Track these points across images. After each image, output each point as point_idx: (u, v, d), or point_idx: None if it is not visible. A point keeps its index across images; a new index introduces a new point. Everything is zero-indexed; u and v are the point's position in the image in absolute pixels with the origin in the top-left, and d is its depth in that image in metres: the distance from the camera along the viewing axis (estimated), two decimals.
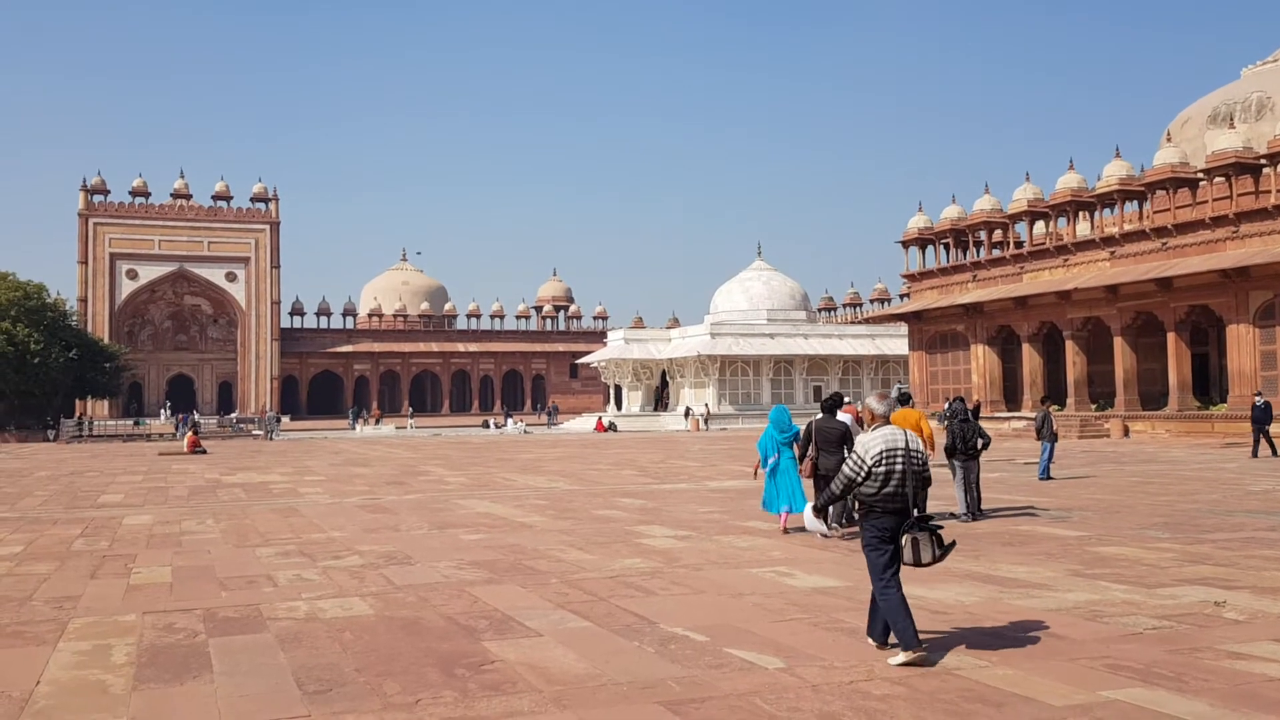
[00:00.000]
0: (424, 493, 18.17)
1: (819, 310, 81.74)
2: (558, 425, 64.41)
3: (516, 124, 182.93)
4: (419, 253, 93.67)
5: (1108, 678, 5.62)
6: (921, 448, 6.21)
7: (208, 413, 70.96)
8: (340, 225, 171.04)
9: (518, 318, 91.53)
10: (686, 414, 54.41)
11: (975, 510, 12.95)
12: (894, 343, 59.57)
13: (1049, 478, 18.32)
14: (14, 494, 19.18)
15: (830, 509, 10.97)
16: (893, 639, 6.02)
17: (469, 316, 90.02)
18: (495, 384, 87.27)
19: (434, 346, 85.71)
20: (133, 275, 75.77)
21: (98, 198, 75.83)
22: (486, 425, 63.14)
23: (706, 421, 52.92)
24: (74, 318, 60.93)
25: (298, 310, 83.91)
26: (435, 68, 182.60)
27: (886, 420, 6.32)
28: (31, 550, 11.41)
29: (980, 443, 13.36)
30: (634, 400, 63.65)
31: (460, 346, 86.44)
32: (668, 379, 63.11)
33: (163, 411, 67.93)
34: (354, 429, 60.96)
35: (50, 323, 53.72)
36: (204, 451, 34.91)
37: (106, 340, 66.30)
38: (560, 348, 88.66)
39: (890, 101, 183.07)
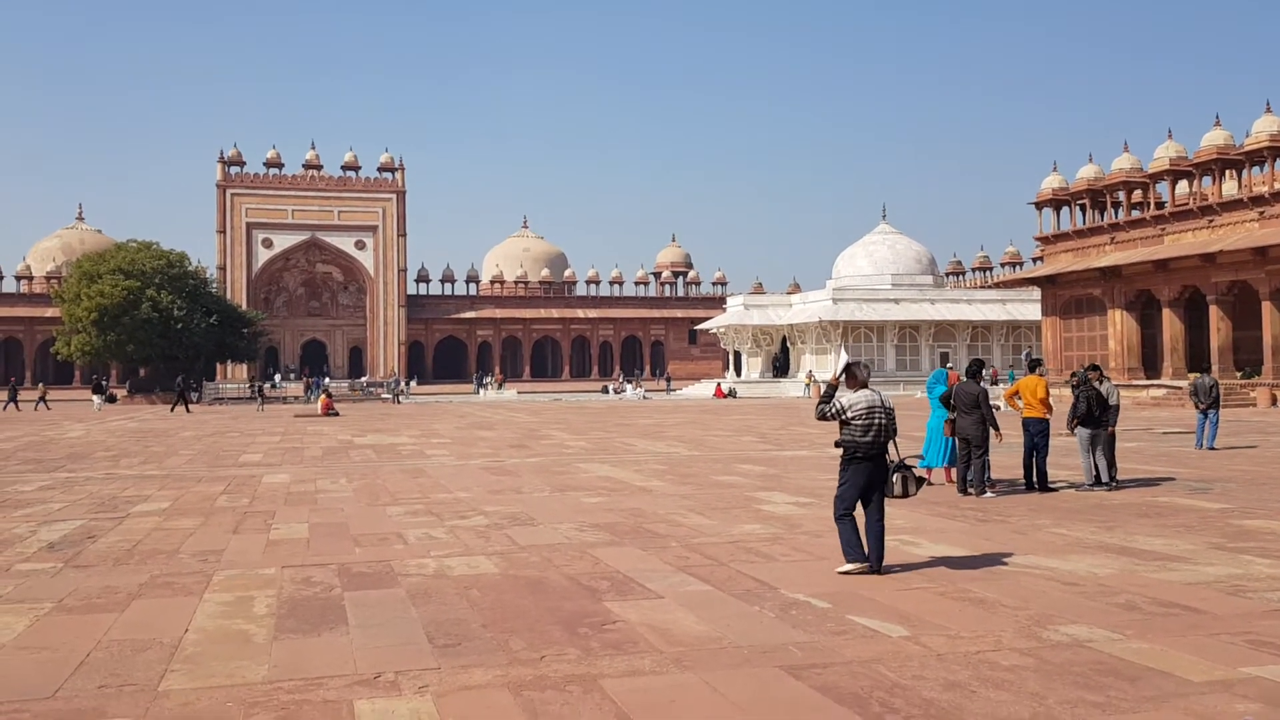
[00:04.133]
0: (545, 456, 18.47)
1: (946, 275, 79.77)
2: (676, 391, 64.58)
3: (635, 90, 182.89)
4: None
5: (1250, 654, 5.39)
6: (893, 406, 7.63)
7: (339, 376, 73.34)
8: (463, 193, 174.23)
9: (637, 284, 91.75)
10: (808, 380, 53.88)
11: (1108, 479, 12.50)
12: (1026, 308, 57.72)
13: (1211, 447, 17.52)
14: (161, 453, 20.20)
15: (970, 475, 12.03)
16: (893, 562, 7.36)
17: (588, 283, 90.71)
18: (614, 350, 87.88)
19: (554, 313, 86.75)
20: (268, 244, 78.63)
21: (234, 169, 78.77)
22: (606, 390, 63.73)
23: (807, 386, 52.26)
24: (214, 285, 63.45)
25: (423, 277, 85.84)
26: (556, 34, 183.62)
27: (864, 385, 7.62)
28: (178, 506, 12.01)
29: (1104, 410, 12.79)
30: (753, 366, 63.33)
31: (580, 313, 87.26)
32: (788, 345, 62.58)
33: (276, 375, 68.18)
34: (478, 393, 62.23)
35: (192, 290, 56.13)
36: (337, 414, 36.17)
37: (244, 307, 68.99)
38: (679, 314, 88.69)
39: (1022, 56, 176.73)
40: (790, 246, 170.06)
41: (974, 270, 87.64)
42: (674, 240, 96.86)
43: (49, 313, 68.77)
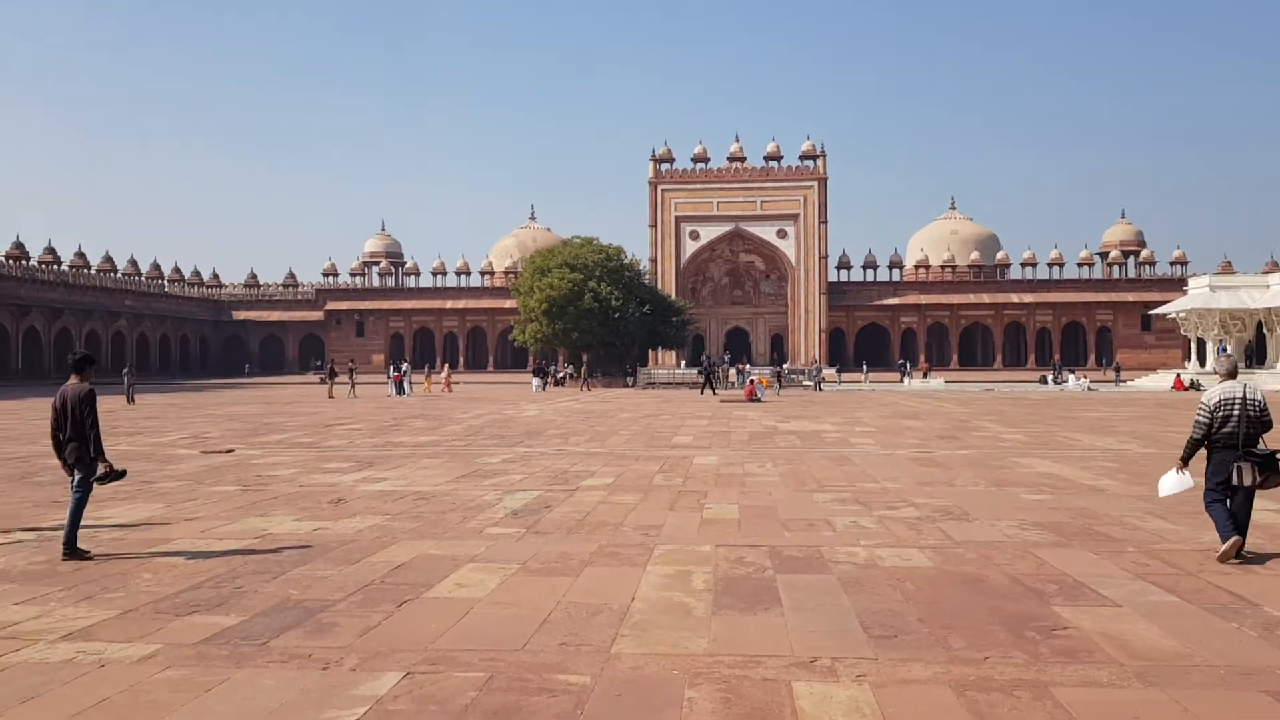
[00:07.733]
0: (978, 449, 17.66)
1: None
2: (1126, 382, 59.47)
3: (1069, 59, 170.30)
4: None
5: None
6: (1259, 397, 7.82)
7: (760, 363, 75.16)
8: (886, 177, 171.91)
9: (1079, 265, 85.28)
10: None
11: None
12: None
13: None
14: (603, 432, 21.75)
15: None
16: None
17: (1023, 265, 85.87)
18: (1053, 337, 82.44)
19: (984, 297, 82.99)
20: (694, 236, 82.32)
21: (664, 166, 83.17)
22: (1044, 381, 60.05)
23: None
24: (646, 276, 67.52)
25: (844, 264, 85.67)
26: (976, 8, 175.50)
27: (1230, 376, 7.96)
28: (620, 482, 12.83)
29: None
30: None
31: (1014, 297, 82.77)
32: (1264, 332, 55.30)
33: (682, 363, 68.13)
34: (902, 382, 61.17)
35: (627, 281, 60.19)
36: (759, 400, 37.09)
37: (673, 296, 72.76)
38: (1129, 297, 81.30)
39: None
40: (1266, 220, 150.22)
41: None
42: (1123, 216, 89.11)
43: (507, 304, 76.98)
